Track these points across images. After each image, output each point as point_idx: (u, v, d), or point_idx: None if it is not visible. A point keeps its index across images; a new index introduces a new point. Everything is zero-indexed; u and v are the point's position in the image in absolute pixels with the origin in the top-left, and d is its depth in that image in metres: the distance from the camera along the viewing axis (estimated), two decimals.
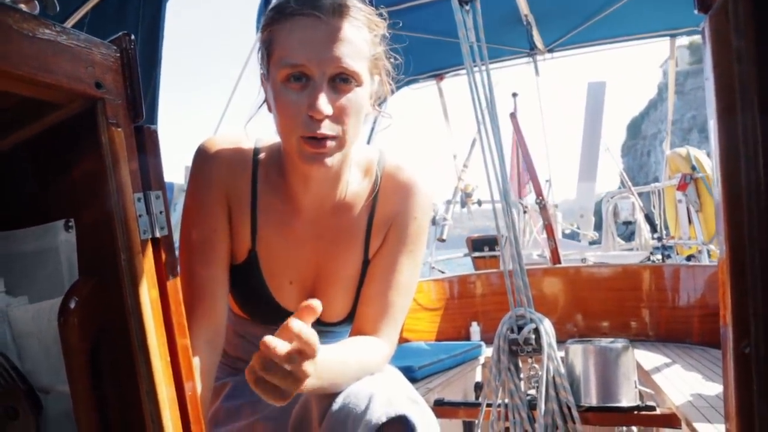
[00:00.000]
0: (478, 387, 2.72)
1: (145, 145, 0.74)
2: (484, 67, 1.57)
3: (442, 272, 4.96)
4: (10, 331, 0.77)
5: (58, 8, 0.74)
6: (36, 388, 0.76)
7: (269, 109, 1.02)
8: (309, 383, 0.79)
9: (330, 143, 0.94)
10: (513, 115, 4.68)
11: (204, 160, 1.05)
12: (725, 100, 0.50)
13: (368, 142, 3.44)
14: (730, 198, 0.52)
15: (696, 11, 0.48)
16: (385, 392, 0.92)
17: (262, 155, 1.08)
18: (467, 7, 1.56)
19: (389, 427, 0.88)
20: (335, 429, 0.92)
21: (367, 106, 0.99)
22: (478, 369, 2.83)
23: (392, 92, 1.10)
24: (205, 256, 1.02)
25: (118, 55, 0.72)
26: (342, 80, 0.94)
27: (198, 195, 1.04)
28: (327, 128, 0.93)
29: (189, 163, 1.08)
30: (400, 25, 1.06)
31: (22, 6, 0.68)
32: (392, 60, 1.06)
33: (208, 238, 1.03)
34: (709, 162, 5.65)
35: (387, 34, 1.04)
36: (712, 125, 0.53)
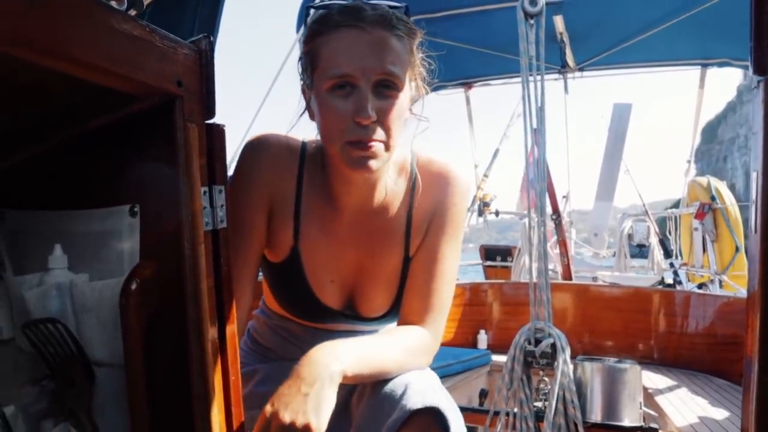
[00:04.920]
0: (483, 394, 2.76)
1: (214, 141, 0.80)
2: (539, 79, 1.61)
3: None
4: (71, 305, 0.82)
5: (144, 6, 0.79)
6: (90, 361, 0.81)
7: (311, 117, 1.06)
8: (350, 370, 0.88)
9: (376, 146, 0.97)
10: (537, 131, 4.71)
11: (253, 155, 1.08)
12: None
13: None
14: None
15: (752, 73, 0.52)
16: (421, 384, 0.97)
17: (308, 155, 1.11)
18: (531, 21, 1.58)
19: (422, 416, 0.92)
20: (371, 412, 0.96)
21: (407, 111, 1.03)
22: (484, 377, 2.87)
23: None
24: (237, 249, 1.03)
25: (198, 55, 0.77)
26: (385, 86, 0.97)
27: (241, 189, 1.06)
28: (372, 133, 0.96)
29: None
30: (432, 33, 1.08)
31: (113, 3, 0.74)
32: (427, 65, 1.09)
33: (243, 232, 1.05)
34: (729, 194, 5.66)
35: (423, 42, 1.07)
36: (755, 177, 0.57)
